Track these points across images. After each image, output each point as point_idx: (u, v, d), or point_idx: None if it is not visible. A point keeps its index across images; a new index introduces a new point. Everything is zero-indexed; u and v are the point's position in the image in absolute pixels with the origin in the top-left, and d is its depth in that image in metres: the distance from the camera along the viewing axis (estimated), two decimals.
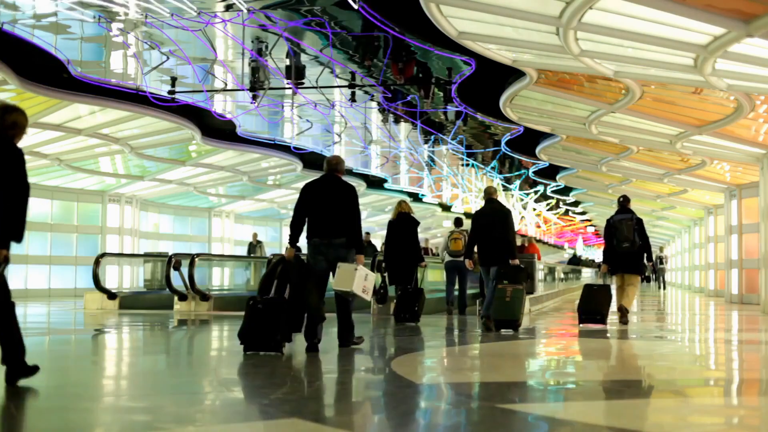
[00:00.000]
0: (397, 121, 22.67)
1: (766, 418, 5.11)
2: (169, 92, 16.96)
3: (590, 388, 6.15)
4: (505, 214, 10.56)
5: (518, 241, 27.41)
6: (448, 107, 20.08)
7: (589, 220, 53.98)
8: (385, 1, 13.20)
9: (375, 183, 31.96)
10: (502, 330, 10.44)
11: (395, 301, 12.34)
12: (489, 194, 10.90)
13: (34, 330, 12.02)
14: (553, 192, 38.71)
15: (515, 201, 47.91)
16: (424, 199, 36.84)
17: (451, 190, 39.96)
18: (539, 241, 58.06)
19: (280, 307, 7.34)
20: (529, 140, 23.21)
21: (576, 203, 41.55)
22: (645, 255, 11.65)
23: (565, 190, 35.48)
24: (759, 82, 11.74)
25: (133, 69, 17.58)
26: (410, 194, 35.35)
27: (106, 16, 14.48)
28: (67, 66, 15.82)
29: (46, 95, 16.09)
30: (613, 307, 12.11)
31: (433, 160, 30.06)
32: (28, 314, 15.48)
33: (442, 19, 10.98)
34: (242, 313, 7.46)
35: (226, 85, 18.92)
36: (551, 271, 25.92)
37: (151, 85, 17.54)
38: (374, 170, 31.19)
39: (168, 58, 16.40)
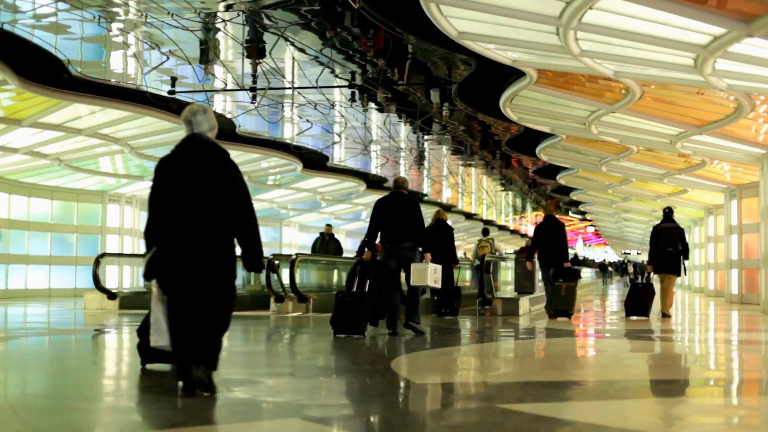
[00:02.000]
0: (381, 108, 20.71)
1: (766, 418, 5.11)
2: (169, 92, 16.96)
3: (590, 388, 6.15)
4: (560, 228, 13.90)
5: (523, 242, 27.56)
6: (430, 92, 18.55)
7: (589, 221, 53.96)
8: (385, 1, 13.19)
9: (375, 183, 31.91)
10: (558, 317, 13.09)
11: (435, 298, 13.52)
12: (549, 211, 14.78)
13: (35, 330, 12.02)
14: (553, 192, 38.70)
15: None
16: (425, 199, 36.81)
17: (451, 190, 39.94)
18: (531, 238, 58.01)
19: (362, 298, 9.25)
20: (529, 140, 23.19)
21: (576, 203, 41.56)
22: (683, 257, 13.74)
23: (565, 190, 35.48)
24: (759, 82, 11.75)
25: (133, 69, 17.57)
26: (410, 193, 35.30)
27: (106, 16, 14.48)
28: (67, 66, 15.81)
29: (46, 95, 16.08)
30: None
31: (423, 155, 29.35)
32: (28, 314, 15.49)
33: (442, 19, 10.98)
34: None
35: (226, 85, 18.91)
36: None
37: (151, 85, 17.53)
38: (374, 170, 31.15)
39: (168, 58, 16.38)
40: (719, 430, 4.72)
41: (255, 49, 15.13)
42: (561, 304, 13.13)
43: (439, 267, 9.80)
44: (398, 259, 9.62)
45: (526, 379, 6.66)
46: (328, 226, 19.40)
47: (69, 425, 4.55)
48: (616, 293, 31.30)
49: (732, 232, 21.60)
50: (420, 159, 29.80)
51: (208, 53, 15.32)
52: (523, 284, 16.34)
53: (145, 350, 6.21)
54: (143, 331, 6.21)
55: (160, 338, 5.34)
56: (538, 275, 15.66)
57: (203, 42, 15.19)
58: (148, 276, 5.31)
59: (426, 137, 25.56)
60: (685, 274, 14.35)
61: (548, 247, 13.55)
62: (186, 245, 5.12)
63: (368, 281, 9.43)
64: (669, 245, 13.68)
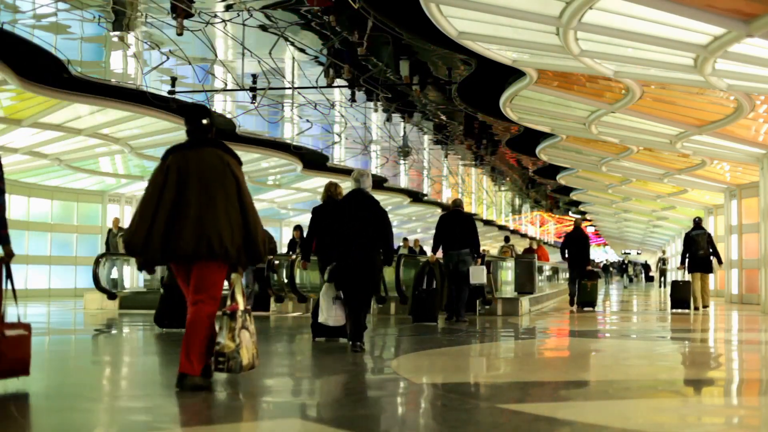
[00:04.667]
0: (350, 85, 18.19)
1: (766, 418, 5.11)
2: (169, 92, 16.94)
3: (590, 388, 6.15)
4: (585, 237, 17.00)
5: (527, 244, 28.10)
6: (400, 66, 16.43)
7: (589, 221, 53.93)
8: (385, 1, 13.18)
9: (375, 183, 31.89)
10: (585, 308, 16.36)
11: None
12: (577, 225, 17.38)
13: (35, 330, 12.01)
14: (553, 192, 38.69)
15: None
16: (425, 199, 36.78)
17: (451, 190, 39.92)
18: (535, 240, 58.06)
19: (433, 294, 11.81)
20: (529, 140, 23.17)
21: (576, 203, 41.55)
22: (716, 259, 16.27)
23: (565, 190, 35.46)
24: (759, 82, 11.74)
25: (133, 69, 17.56)
26: (410, 194, 35.32)
27: (106, 16, 14.46)
28: (67, 66, 15.80)
29: (46, 95, 16.07)
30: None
31: (407, 148, 28.49)
32: (28, 314, 15.49)
33: (442, 19, 10.98)
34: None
35: (226, 85, 18.90)
36: (555, 271, 26.21)
37: (151, 85, 17.52)
38: (374, 170, 31.13)
39: (168, 58, 16.37)
40: (719, 430, 4.72)
41: (182, 9, 13.25)
42: (587, 297, 16.48)
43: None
44: (457, 263, 11.99)
45: (526, 379, 6.66)
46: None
47: (69, 425, 4.55)
48: (616, 293, 31.30)
49: (732, 232, 21.60)
50: (405, 151, 28.52)
51: (122, 19, 13.97)
52: (523, 284, 16.35)
53: (316, 327, 8.77)
54: (315, 314, 8.66)
55: (321, 315, 8.38)
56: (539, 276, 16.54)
57: (118, 9, 13.90)
58: (329, 280, 8.33)
59: (392, 114, 23.13)
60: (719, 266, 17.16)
61: (575, 253, 16.51)
62: (355, 260, 7.96)
63: (434, 280, 11.94)
64: (701, 249, 16.02)
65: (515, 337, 10.54)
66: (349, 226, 7.97)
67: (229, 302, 5.49)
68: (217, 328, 5.47)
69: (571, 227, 17.11)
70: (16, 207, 23.06)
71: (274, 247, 5.75)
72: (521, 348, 9.38)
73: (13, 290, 5.82)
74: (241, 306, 5.51)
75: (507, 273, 18.34)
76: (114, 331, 11.41)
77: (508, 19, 10.55)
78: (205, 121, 5.64)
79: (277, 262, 15.47)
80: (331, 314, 8.34)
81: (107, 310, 15.87)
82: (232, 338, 5.41)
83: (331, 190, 9.19)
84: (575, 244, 16.71)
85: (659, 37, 10.17)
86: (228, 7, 14.21)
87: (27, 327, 5.76)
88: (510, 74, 14.90)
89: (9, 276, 5.86)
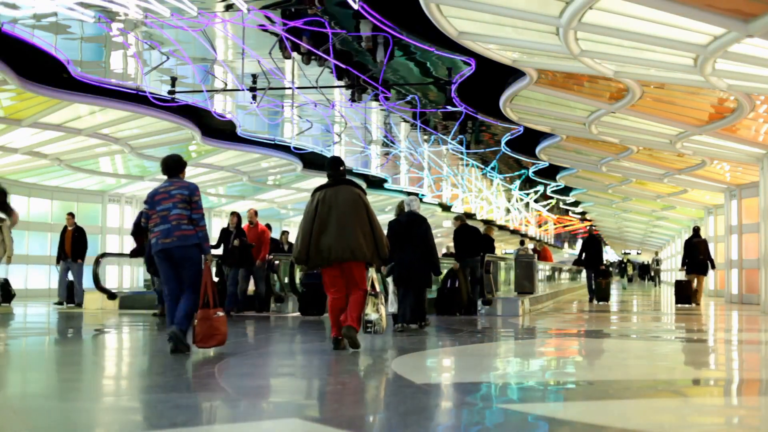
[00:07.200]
0: (306, 58, 16.57)
1: (766, 418, 5.11)
2: (169, 92, 16.95)
3: (590, 388, 6.15)
4: (599, 241, 20.76)
5: (531, 245, 29.20)
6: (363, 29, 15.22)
7: (589, 221, 53.96)
8: (385, 1, 13.17)
9: (375, 183, 31.91)
10: (601, 303, 19.66)
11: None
12: (591, 231, 21.05)
13: (35, 330, 12.02)
14: (553, 192, 38.69)
15: (515, 200, 47.83)
16: (425, 199, 36.79)
17: (451, 190, 39.94)
18: (539, 241, 58.06)
19: (455, 292, 13.78)
20: (529, 140, 23.18)
21: (576, 203, 41.54)
22: (710, 264, 18.68)
23: (565, 190, 35.46)
24: (759, 82, 11.74)
25: (133, 69, 17.57)
26: (409, 194, 35.32)
27: (106, 16, 14.47)
28: (67, 66, 15.80)
29: (46, 95, 16.07)
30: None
31: (392, 140, 27.59)
32: (28, 314, 15.48)
33: (442, 19, 10.98)
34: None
35: (226, 85, 18.91)
36: (554, 271, 26.15)
37: (151, 85, 17.53)
38: (374, 170, 31.14)
39: (168, 58, 16.38)
40: (719, 430, 4.72)
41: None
42: (602, 293, 19.96)
43: None
44: (471, 268, 14.10)
45: (527, 379, 6.66)
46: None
47: (69, 425, 4.55)
48: (615, 293, 31.31)
49: (732, 232, 21.60)
50: (388, 141, 27.27)
51: None
52: (523, 284, 16.34)
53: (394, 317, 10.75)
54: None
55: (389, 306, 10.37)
56: (539, 275, 17.76)
57: None
58: (388, 275, 10.80)
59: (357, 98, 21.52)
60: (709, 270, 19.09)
61: (591, 255, 19.93)
62: (406, 263, 10.58)
63: (457, 282, 13.77)
64: (701, 254, 18.39)
65: (515, 337, 10.54)
66: (401, 239, 10.54)
67: (369, 288, 8.27)
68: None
69: (585, 234, 19.78)
70: (16, 207, 22.99)
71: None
72: (521, 348, 9.38)
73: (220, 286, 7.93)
74: (378, 289, 8.53)
75: (507, 273, 18.37)
76: (114, 331, 11.40)
77: (508, 19, 10.55)
78: (341, 168, 8.25)
79: (277, 262, 15.46)
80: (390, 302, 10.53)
81: (107, 310, 15.87)
82: (376, 311, 8.46)
83: (402, 207, 11.26)
84: (591, 248, 20.01)
85: (659, 37, 10.17)
86: (228, 7, 14.22)
87: (222, 310, 7.79)
88: (510, 74, 14.92)
89: (214, 276, 7.70)
